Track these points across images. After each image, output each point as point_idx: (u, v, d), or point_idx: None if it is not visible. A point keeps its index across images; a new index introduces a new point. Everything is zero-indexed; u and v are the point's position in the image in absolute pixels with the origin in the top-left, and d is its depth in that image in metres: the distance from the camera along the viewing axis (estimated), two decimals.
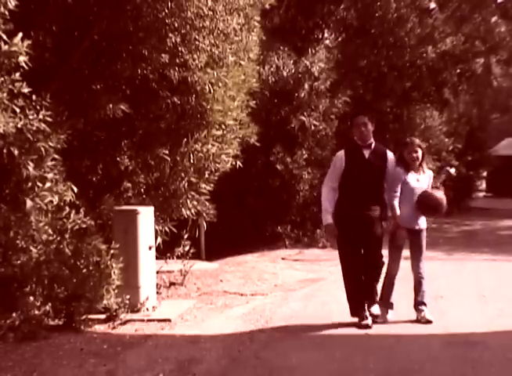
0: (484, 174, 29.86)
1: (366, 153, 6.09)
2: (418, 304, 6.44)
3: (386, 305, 6.44)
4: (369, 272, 6.21)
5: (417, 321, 6.31)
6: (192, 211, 8.07)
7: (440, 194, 6.39)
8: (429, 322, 6.25)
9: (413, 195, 6.32)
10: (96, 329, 6.17)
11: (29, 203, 5.61)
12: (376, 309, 6.26)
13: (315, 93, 12.81)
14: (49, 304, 5.95)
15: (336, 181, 6.08)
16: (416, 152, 6.43)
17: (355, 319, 6.13)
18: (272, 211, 12.56)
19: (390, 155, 6.21)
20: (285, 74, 12.58)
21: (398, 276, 9.14)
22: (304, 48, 13.44)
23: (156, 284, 7.38)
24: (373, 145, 6.15)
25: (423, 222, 6.54)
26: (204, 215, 8.40)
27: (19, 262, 5.74)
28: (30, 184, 5.66)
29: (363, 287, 6.19)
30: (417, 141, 6.74)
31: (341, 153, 6.18)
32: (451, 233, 16.40)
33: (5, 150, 5.38)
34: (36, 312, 5.83)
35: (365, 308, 6.13)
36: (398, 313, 6.73)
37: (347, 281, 6.20)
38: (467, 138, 22.03)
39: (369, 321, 6.05)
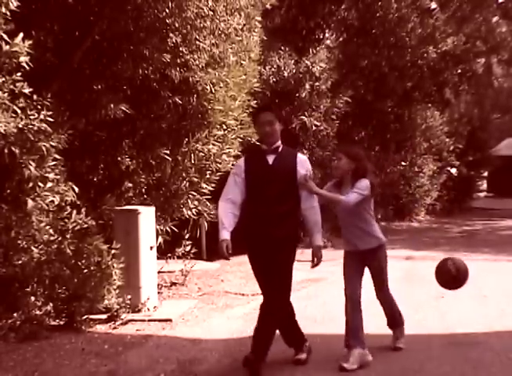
0: (485, 174, 29.90)
1: (271, 158, 4.83)
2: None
3: (356, 342, 5.10)
4: (263, 313, 4.94)
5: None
6: (194, 211, 8.08)
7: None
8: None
9: (342, 214, 5.32)
10: (97, 329, 6.17)
11: (30, 203, 5.61)
12: (302, 356, 5.15)
13: (316, 93, 12.82)
14: (50, 304, 5.95)
15: (236, 194, 4.86)
16: (339, 159, 5.27)
17: None
18: None
19: (301, 157, 4.95)
20: (286, 74, 12.58)
21: (397, 276, 9.18)
22: (305, 49, 13.44)
23: (158, 284, 7.38)
24: (280, 149, 4.89)
25: (369, 241, 5.28)
26: (205, 214, 8.40)
27: (20, 262, 5.75)
28: (31, 184, 5.66)
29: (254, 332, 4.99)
30: (345, 148, 5.78)
31: (241, 160, 5.07)
32: (452, 233, 16.41)
33: (6, 150, 5.38)
34: (37, 312, 5.84)
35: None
36: None
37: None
38: (468, 138, 22.08)
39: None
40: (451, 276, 5.24)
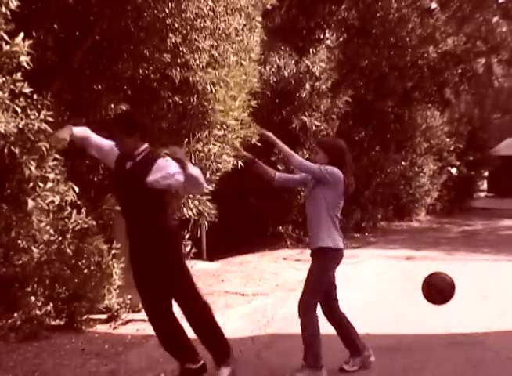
0: (486, 174, 29.89)
1: (129, 163, 4.51)
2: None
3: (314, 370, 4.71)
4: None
5: None
6: (194, 211, 8.07)
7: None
8: None
9: (306, 202, 4.99)
10: (98, 329, 6.17)
11: (30, 203, 5.61)
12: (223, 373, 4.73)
13: (316, 93, 12.82)
14: (51, 304, 5.95)
15: (105, 143, 4.71)
16: (316, 153, 4.92)
17: None
18: (274, 211, 12.56)
19: (159, 163, 4.41)
20: (286, 74, 12.59)
21: (398, 276, 9.18)
22: (306, 48, 13.44)
23: None
24: (139, 156, 4.50)
25: (315, 241, 4.75)
26: (206, 214, 8.39)
27: (20, 262, 5.74)
28: (31, 184, 5.66)
29: None
30: (323, 140, 5.56)
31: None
32: (452, 233, 16.41)
33: (6, 150, 5.38)
34: (37, 312, 5.83)
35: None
36: (398, 313, 6.74)
37: None
38: (469, 138, 22.06)
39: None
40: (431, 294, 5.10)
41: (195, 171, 4.40)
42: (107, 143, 4.71)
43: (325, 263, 4.73)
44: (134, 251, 4.63)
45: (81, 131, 4.66)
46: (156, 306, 4.62)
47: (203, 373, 4.75)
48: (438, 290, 5.20)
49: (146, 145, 4.56)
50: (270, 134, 4.85)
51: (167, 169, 4.39)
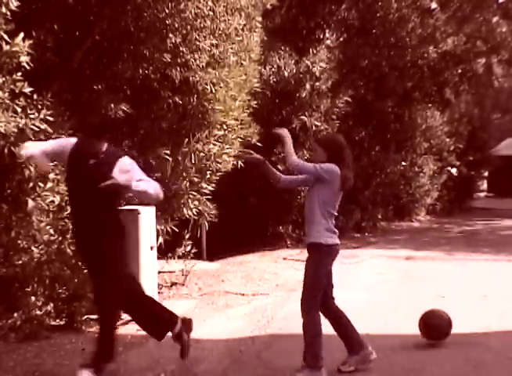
0: (486, 174, 29.93)
1: (93, 160, 4.59)
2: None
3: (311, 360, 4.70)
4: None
5: None
6: (194, 211, 8.08)
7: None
8: None
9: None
10: (98, 329, 6.16)
11: (30, 203, 5.61)
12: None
13: (316, 93, 12.82)
14: (51, 304, 5.94)
15: (54, 144, 4.84)
16: (315, 150, 4.97)
17: None
18: (274, 211, 12.56)
19: (123, 165, 4.60)
20: (286, 74, 12.59)
21: (398, 276, 9.19)
22: (306, 49, 13.44)
23: (158, 284, 7.37)
24: (101, 155, 4.61)
25: (309, 236, 4.77)
26: (206, 214, 8.39)
27: (20, 262, 5.74)
28: (31, 184, 5.66)
29: None
30: (320, 137, 5.45)
31: (73, 140, 4.84)
32: (452, 233, 16.41)
33: (6, 150, 5.38)
34: (37, 312, 5.82)
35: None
36: (398, 313, 6.73)
37: None
38: (469, 138, 22.09)
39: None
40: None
41: (143, 185, 4.60)
42: (56, 145, 4.82)
43: (319, 258, 4.73)
44: (79, 243, 4.87)
45: (39, 152, 4.73)
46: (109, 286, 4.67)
47: (189, 328, 4.98)
48: (435, 327, 5.35)
49: (106, 143, 4.70)
50: (284, 130, 4.95)
51: (131, 172, 4.61)
